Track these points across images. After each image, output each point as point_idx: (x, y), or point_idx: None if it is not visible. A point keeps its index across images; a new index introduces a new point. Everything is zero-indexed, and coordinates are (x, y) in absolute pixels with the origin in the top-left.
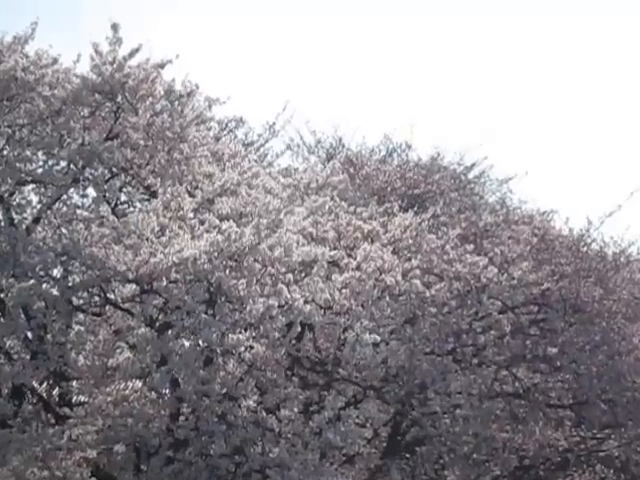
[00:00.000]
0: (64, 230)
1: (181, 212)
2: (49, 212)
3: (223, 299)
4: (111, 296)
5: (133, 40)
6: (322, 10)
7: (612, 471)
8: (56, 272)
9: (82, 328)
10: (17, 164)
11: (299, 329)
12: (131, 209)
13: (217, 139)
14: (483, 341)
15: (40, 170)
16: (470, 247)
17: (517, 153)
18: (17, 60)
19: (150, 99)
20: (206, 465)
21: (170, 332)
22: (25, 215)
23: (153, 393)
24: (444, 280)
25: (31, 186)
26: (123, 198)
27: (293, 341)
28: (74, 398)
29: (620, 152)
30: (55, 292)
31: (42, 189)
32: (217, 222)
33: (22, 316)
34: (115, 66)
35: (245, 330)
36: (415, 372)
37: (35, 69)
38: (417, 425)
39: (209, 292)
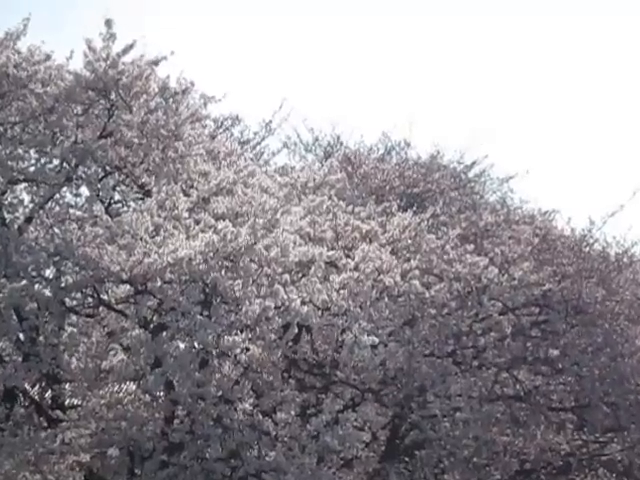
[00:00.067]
0: (57, 230)
1: (176, 211)
2: (41, 211)
3: (219, 300)
4: (104, 297)
5: (128, 38)
6: (320, 7)
7: (615, 475)
8: (49, 272)
9: (75, 330)
10: (9, 162)
11: (296, 331)
12: (125, 208)
13: (212, 137)
14: (483, 343)
15: (32, 169)
16: (470, 247)
17: (518, 152)
18: (9, 56)
19: (144, 96)
20: (201, 469)
21: (165, 334)
22: (17, 214)
23: (147, 396)
24: (444, 281)
25: (23, 185)
26: (117, 197)
27: (290, 343)
28: (67, 401)
29: (622, 151)
30: (48, 293)
31: (34, 188)
32: (212, 222)
33: (14, 317)
34: (109, 63)
35: (241, 332)
36: (414, 374)
37: (27, 66)
38: (416, 428)
39: (204, 293)
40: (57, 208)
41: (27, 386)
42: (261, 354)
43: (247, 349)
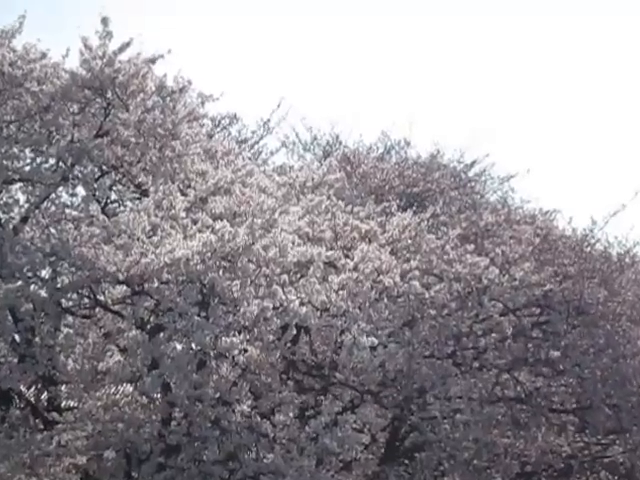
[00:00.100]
0: (53, 230)
1: (173, 211)
2: (37, 211)
3: (216, 301)
4: (101, 298)
5: (125, 37)
6: (318, 5)
7: (617, 478)
8: (44, 273)
9: (71, 331)
10: (4, 162)
11: (294, 332)
12: (122, 208)
13: (210, 136)
14: (484, 344)
15: (28, 168)
16: (470, 247)
17: (519, 151)
18: (4, 55)
19: (141, 95)
20: (199, 472)
21: (162, 335)
22: (12, 214)
23: (144, 397)
24: (444, 281)
25: (19, 185)
26: (113, 197)
27: (288, 344)
28: (63, 403)
29: (624, 150)
30: (43, 294)
31: (30, 188)
32: (210, 221)
33: (9, 318)
34: (105, 61)
35: (239, 333)
36: (414, 376)
37: (23, 64)
38: (416, 430)
39: (202, 293)
40: (53, 208)
41: (23, 388)
42: (259, 355)
43: (245, 350)
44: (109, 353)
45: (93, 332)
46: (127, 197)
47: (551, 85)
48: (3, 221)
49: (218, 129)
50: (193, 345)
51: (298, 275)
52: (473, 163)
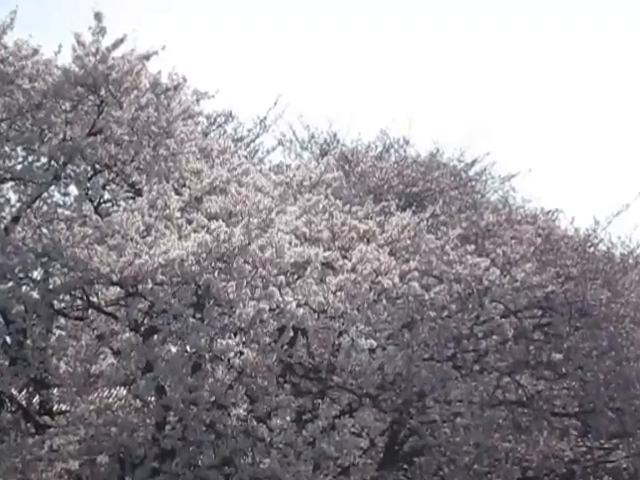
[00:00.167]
0: (45, 230)
1: (167, 211)
2: (29, 211)
3: (212, 302)
4: (94, 299)
5: (118, 34)
6: (316, 2)
7: None
8: (36, 274)
9: (64, 333)
10: None
11: (291, 334)
12: (115, 208)
13: (205, 134)
14: (485, 346)
15: (19, 167)
16: (471, 248)
17: (520, 149)
18: None
19: (135, 92)
20: (194, 477)
21: (156, 337)
22: (4, 214)
23: (138, 401)
24: (444, 282)
25: (10, 184)
26: (107, 196)
27: (285, 346)
28: (55, 406)
29: (628, 149)
30: (35, 295)
31: (21, 187)
32: (205, 221)
33: (0, 320)
34: (98, 57)
35: (235, 335)
36: (413, 379)
37: (14, 60)
38: (415, 435)
39: (197, 295)
40: (45, 207)
41: (14, 391)
42: (255, 358)
43: (241, 353)
44: (102, 356)
45: (86, 334)
46: (121, 196)
47: (553, 83)
48: None
49: (213, 127)
50: (188, 347)
51: (295, 276)
52: (473, 162)
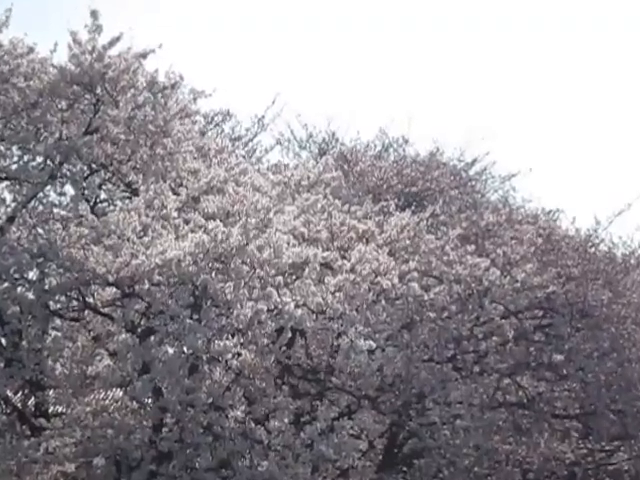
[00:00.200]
0: (40, 230)
1: (164, 211)
2: (24, 211)
3: (209, 303)
4: (90, 300)
5: (115, 32)
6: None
7: None
8: (32, 275)
9: (59, 334)
10: None
11: (290, 335)
12: (111, 207)
13: (202, 133)
14: (485, 348)
15: (15, 166)
16: (471, 248)
17: (521, 149)
18: None
19: (132, 91)
20: (191, 479)
21: (153, 338)
22: None
23: (135, 403)
24: (443, 283)
25: (5, 183)
26: (103, 196)
27: (283, 348)
28: (51, 408)
29: (629, 148)
30: (31, 296)
31: (17, 186)
32: (203, 221)
33: None
34: (94, 56)
35: (232, 336)
36: (413, 381)
37: (9, 59)
38: (415, 437)
39: (194, 296)
40: (41, 207)
41: (9, 393)
42: (253, 359)
43: (239, 354)
44: (98, 357)
45: (82, 335)
46: (117, 196)
47: (553, 82)
48: None
49: (211, 126)
50: (185, 349)
51: (293, 277)
52: (473, 161)
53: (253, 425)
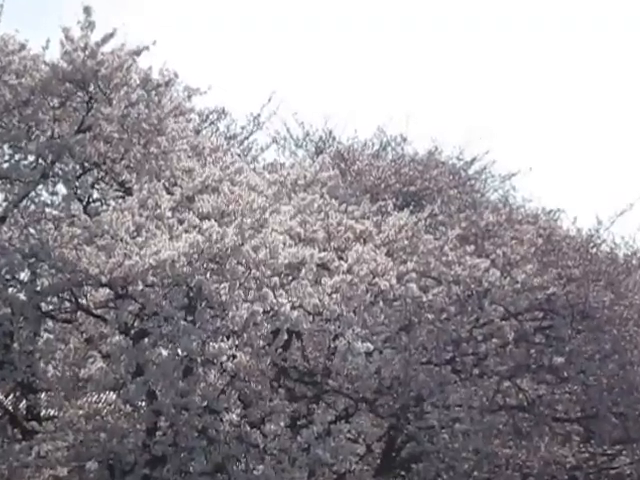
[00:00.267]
0: (32, 230)
1: (158, 210)
2: (16, 210)
3: (204, 304)
4: (83, 301)
5: (108, 29)
6: None
7: None
8: (23, 275)
9: (51, 336)
10: None
11: (286, 337)
12: (104, 207)
13: (197, 132)
14: (484, 350)
15: (6, 165)
16: (470, 248)
17: (521, 147)
18: None
19: (125, 88)
20: None
21: (146, 340)
22: None
23: (128, 406)
24: (442, 284)
25: None
26: (96, 195)
27: (279, 350)
28: (43, 411)
29: (631, 147)
30: (22, 297)
31: (8, 185)
32: (197, 221)
33: None
34: (87, 53)
35: (227, 338)
36: (411, 383)
37: (1, 56)
38: (413, 440)
39: (189, 297)
40: (32, 207)
41: (0, 396)
42: (249, 362)
43: (234, 356)
44: (91, 359)
45: (74, 337)
46: (110, 196)
47: (553, 81)
48: None
49: (206, 124)
50: (179, 351)
51: (289, 277)
52: (473, 160)
53: (248, 428)
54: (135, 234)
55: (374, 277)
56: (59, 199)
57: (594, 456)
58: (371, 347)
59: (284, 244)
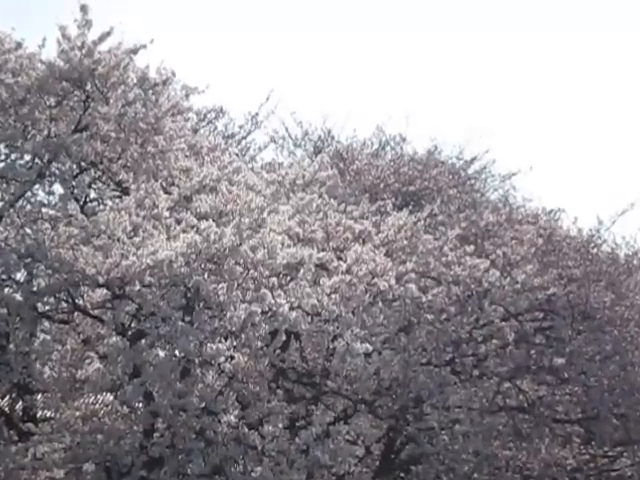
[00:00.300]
0: (28, 230)
1: (156, 210)
2: (12, 210)
3: (201, 305)
4: (79, 302)
5: (105, 27)
6: None
7: None
8: (19, 276)
9: (48, 337)
10: None
11: (284, 338)
12: (101, 207)
13: (195, 131)
14: (484, 351)
15: (2, 164)
16: (470, 248)
17: (521, 147)
18: None
19: (122, 87)
20: None
21: (144, 341)
22: None
23: (125, 407)
24: (442, 284)
25: None
26: (93, 195)
27: (277, 351)
28: (39, 413)
29: (632, 147)
30: (18, 297)
31: (4, 185)
32: (195, 221)
33: None
34: (84, 51)
35: (225, 339)
36: (410, 384)
37: None
38: (413, 442)
39: (186, 297)
40: (29, 207)
41: None
42: (247, 363)
43: (232, 357)
44: (88, 360)
45: (71, 338)
46: (107, 195)
47: (553, 81)
48: None
49: (203, 123)
50: (177, 352)
51: (288, 278)
52: (473, 160)
53: (247, 430)
54: (132, 234)
55: (373, 277)
56: (56, 199)
57: (595, 458)
58: (370, 348)
59: (282, 244)
